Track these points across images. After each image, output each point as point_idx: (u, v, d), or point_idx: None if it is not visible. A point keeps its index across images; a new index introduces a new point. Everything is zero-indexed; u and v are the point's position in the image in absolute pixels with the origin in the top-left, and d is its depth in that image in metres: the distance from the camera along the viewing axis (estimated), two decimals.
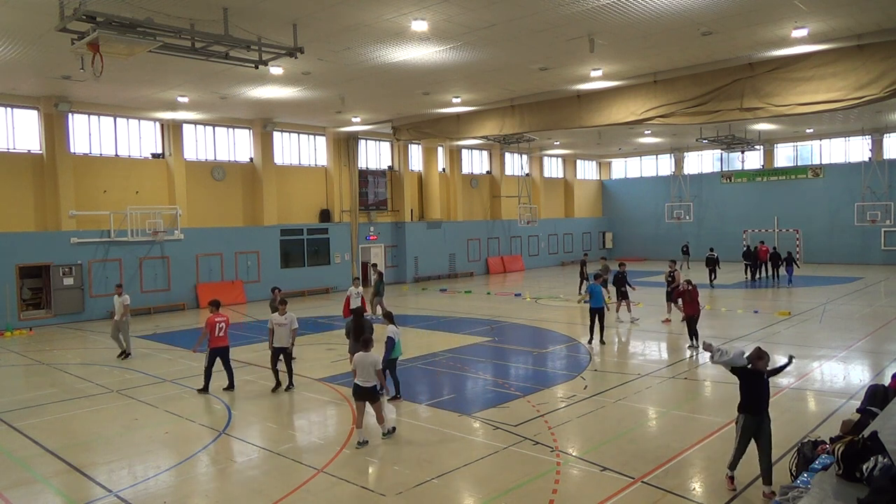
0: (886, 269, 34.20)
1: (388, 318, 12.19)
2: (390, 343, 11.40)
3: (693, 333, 15.49)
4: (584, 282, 26.43)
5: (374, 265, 23.35)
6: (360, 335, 10.40)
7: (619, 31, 15.31)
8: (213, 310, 12.52)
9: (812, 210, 38.87)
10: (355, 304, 17.25)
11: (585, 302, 17.56)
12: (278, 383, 12.55)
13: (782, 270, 29.89)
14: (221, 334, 12.33)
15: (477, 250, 38.74)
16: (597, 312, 16.20)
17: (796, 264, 29.67)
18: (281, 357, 12.51)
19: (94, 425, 10.72)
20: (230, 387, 12.58)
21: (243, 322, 21.69)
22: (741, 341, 16.22)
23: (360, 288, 18.55)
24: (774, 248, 31.93)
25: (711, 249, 30.17)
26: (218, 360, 12.41)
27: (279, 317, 12.40)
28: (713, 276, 29.09)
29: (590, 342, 16.20)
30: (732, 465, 7.51)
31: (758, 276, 31.00)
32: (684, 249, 39.12)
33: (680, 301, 15.90)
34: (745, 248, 33.64)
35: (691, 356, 14.86)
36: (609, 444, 9.11)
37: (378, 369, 9.35)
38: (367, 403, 9.40)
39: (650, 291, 26.50)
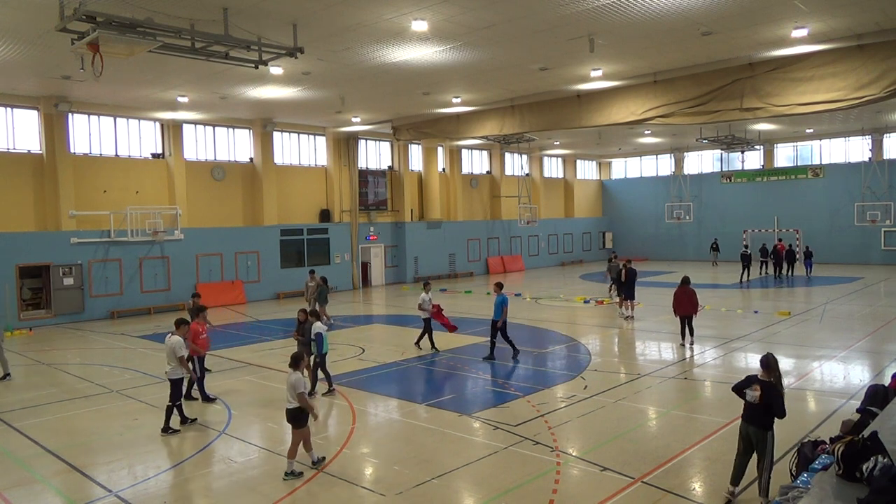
0: (886, 269, 34.21)
1: (315, 315, 12.14)
2: (319, 339, 11.58)
3: (687, 331, 15.62)
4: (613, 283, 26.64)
5: (312, 271, 21.49)
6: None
7: (619, 31, 15.32)
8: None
9: (812, 210, 38.87)
10: (426, 312, 15.74)
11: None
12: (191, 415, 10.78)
13: (798, 266, 32.07)
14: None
15: (477, 250, 38.73)
16: (492, 326, 14.85)
17: (812, 257, 31.47)
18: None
19: (94, 425, 10.71)
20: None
21: (243, 322, 21.69)
22: (741, 341, 16.24)
23: (431, 294, 16.22)
24: (790, 246, 32.86)
25: (746, 246, 31.80)
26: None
27: (176, 338, 10.48)
28: (746, 273, 30.37)
29: (485, 358, 14.81)
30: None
31: (779, 273, 31.99)
32: (713, 246, 39.63)
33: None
34: (761, 246, 34.35)
35: (690, 356, 14.90)
36: (609, 444, 9.11)
37: (299, 392, 8.22)
38: (295, 428, 8.32)
39: (649, 291, 26.53)
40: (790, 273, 32.17)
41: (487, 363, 14.55)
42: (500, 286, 15.30)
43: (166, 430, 10.09)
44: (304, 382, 8.43)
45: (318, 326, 11.74)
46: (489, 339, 15.01)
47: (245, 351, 16.41)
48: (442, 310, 16.21)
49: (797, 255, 32.47)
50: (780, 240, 36.05)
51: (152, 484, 8.21)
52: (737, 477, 7.19)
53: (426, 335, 15.95)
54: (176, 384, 10.25)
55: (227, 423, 10.56)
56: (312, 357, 11.89)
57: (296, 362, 8.54)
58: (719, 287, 28.57)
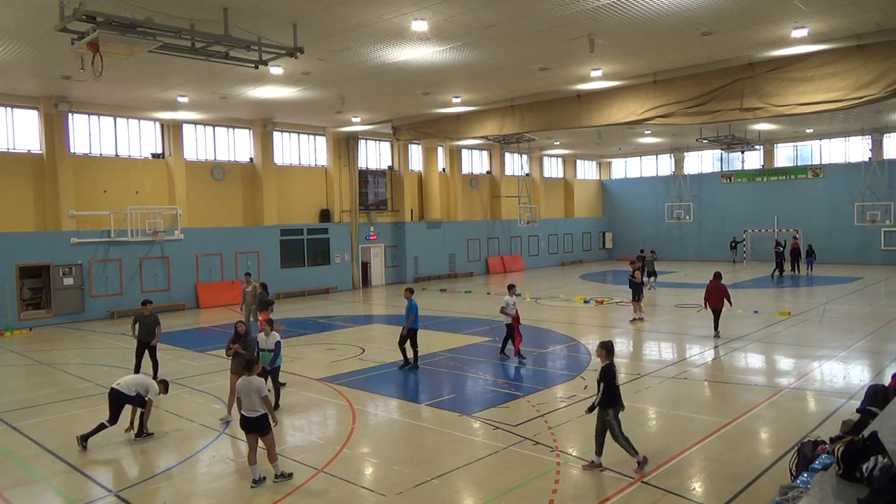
0: (886, 269, 34.20)
1: (270, 324, 11.77)
2: (278, 348, 11.22)
3: (716, 325, 16.86)
4: (648, 279, 27.59)
5: (248, 274, 19.55)
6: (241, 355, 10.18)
7: (619, 31, 15.31)
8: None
9: (812, 210, 38.87)
10: (509, 317, 14.43)
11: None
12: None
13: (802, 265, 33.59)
14: None
15: (477, 250, 38.73)
16: (406, 333, 14.12)
17: (814, 255, 33.63)
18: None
19: (93, 425, 10.70)
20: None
21: None
22: (741, 341, 16.24)
23: (515, 298, 14.93)
24: (795, 242, 34.61)
25: (778, 244, 33.52)
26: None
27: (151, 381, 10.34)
28: (779, 270, 32.09)
29: (403, 367, 14.12)
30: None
31: (787, 271, 33.31)
32: (732, 244, 40.40)
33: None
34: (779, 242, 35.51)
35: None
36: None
37: (263, 396, 8.05)
38: (258, 437, 8.13)
39: (648, 291, 26.51)
40: (795, 271, 33.05)
41: (491, 363, 14.54)
42: (410, 291, 14.54)
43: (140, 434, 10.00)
44: (266, 386, 8.29)
45: (275, 336, 11.37)
46: (411, 348, 14.19)
47: None
48: (519, 321, 14.68)
49: (801, 254, 33.66)
50: (794, 237, 36.81)
51: (152, 484, 8.21)
52: (601, 449, 8.26)
53: (509, 340, 14.70)
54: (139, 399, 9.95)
55: (226, 423, 10.56)
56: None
57: (250, 366, 8.27)
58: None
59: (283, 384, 12.67)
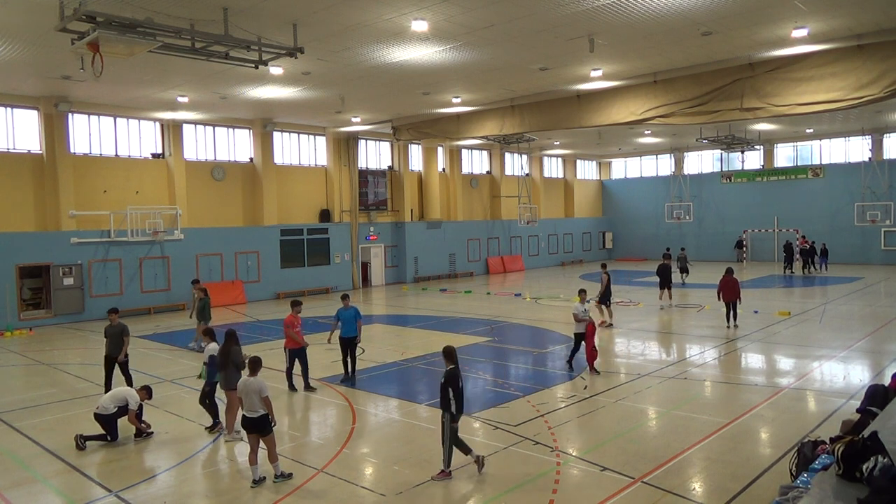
0: (886, 269, 34.21)
1: (210, 335, 10.99)
2: (213, 362, 10.25)
3: (732, 315, 18.06)
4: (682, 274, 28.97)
5: (196, 281, 18.51)
6: (228, 362, 9.89)
7: (619, 31, 15.31)
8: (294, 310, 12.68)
9: (812, 210, 38.88)
10: (581, 327, 13.33)
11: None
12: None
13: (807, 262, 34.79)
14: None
15: (477, 250, 38.73)
16: (347, 344, 13.32)
17: (826, 255, 34.80)
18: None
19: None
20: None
21: (243, 322, 21.69)
22: (741, 341, 16.24)
23: (587, 305, 13.77)
24: (812, 242, 35.42)
25: (806, 242, 34.86)
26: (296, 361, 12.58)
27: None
28: (808, 267, 33.81)
29: (343, 381, 13.21)
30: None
31: (791, 269, 34.55)
32: (739, 243, 41.01)
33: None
34: (786, 243, 36.23)
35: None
36: (609, 444, 9.11)
37: (265, 396, 8.09)
38: (259, 437, 8.20)
39: (649, 291, 26.50)
40: (808, 270, 33.88)
41: (491, 363, 14.53)
42: (347, 297, 13.59)
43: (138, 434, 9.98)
44: (267, 386, 8.31)
45: (212, 348, 10.55)
46: (341, 358, 13.46)
47: (245, 351, 16.37)
48: (595, 331, 13.51)
49: (814, 252, 34.50)
50: (803, 236, 37.10)
51: (152, 484, 8.21)
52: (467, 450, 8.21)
53: (577, 351, 13.70)
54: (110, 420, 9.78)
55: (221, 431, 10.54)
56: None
57: (255, 367, 8.36)
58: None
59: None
